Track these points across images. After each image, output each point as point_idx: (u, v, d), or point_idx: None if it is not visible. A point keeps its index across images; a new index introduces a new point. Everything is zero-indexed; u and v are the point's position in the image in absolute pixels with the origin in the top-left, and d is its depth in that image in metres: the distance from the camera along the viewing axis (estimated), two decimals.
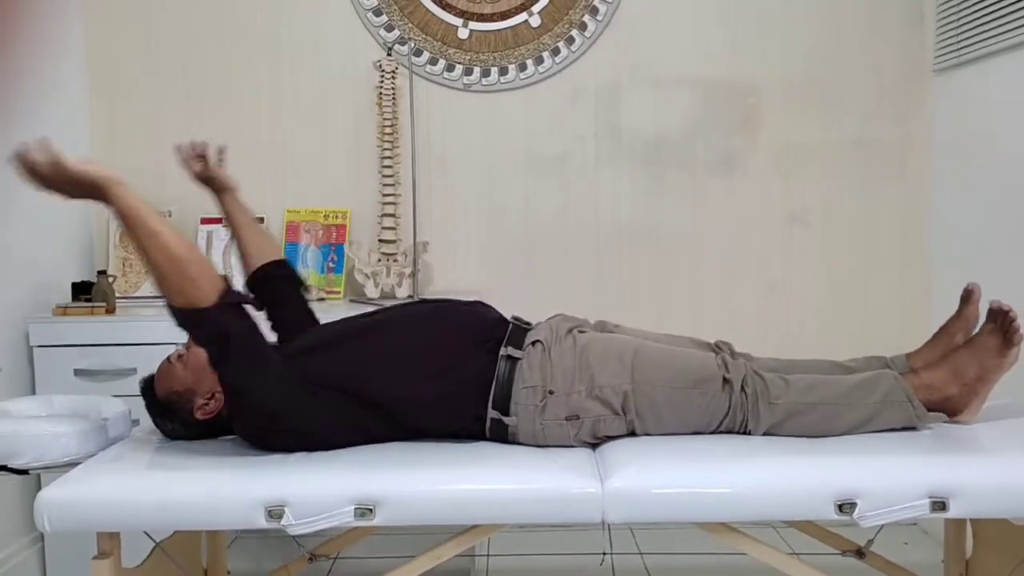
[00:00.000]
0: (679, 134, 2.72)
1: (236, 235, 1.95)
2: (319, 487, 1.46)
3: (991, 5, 2.31)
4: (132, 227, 1.48)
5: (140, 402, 1.77)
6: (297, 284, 1.95)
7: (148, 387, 1.73)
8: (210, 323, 1.51)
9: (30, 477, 2.27)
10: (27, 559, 2.31)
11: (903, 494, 1.42)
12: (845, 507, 1.42)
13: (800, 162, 2.72)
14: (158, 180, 2.72)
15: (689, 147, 2.72)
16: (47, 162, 1.48)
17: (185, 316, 1.51)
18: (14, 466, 1.61)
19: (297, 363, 1.62)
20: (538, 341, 1.66)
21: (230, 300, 1.53)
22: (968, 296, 1.78)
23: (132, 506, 1.46)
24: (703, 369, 1.64)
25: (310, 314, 1.94)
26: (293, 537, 1.54)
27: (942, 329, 1.82)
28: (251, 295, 1.73)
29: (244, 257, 1.94)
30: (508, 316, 1.81)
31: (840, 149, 2.71)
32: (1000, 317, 1.67)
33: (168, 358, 1.73)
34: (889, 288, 2.73)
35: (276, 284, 1.90)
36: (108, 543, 1.49)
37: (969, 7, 2.42)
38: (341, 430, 1.61)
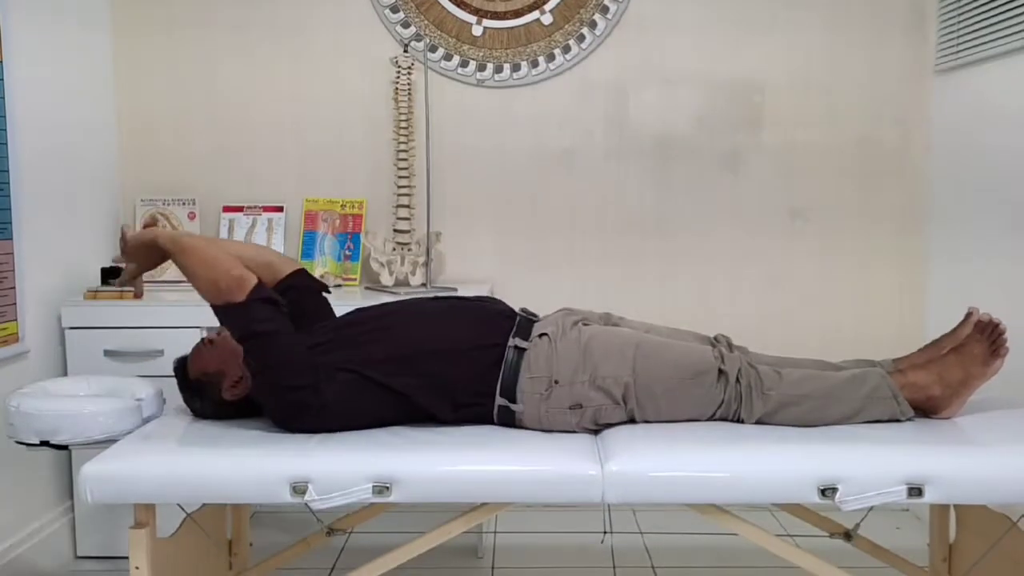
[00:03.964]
0: (685, 130, 2.80)
1: None
2: (340, 465, 1.56)
3: (992, 9, 2.38)
4: (175, 252, 1.79)
5: (168, 382, 1.89)
6: (319, 292, 2.02)
7: (181, 367, 1.85)
8: (240, 318, 1.69)
9: (62, 453, 2.41)
10: (59, 529, 2.44)
11: (881, 480, 1.52)
12: (827, 492, 1.52)
13: (802, 160, 2.80)
14: (182, 170, 2.85)
15: (694, 143, 2.80)
16: (123, 239, 1.89)
17: (222, 313, 1.72)
18: (56, 442, 1.72)
19: (319, 352, 1.73)
20: (545, 334, 1.76)
21: (257, 296, 1.69)
22: (967, 318, 1.82)
23: (167, 480, 1.57)
24: (700, 363, 1.73)
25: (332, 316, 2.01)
26: (312, 512, 1.66)
27: (934, 341, 1.88)
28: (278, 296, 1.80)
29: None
30: (517, 308, 1.91)
31: (841, 147, 2.79)
32: (989, 329, 1.76)
33: (202, 340, 1.84)
34: (886, 285, 2.82)
35: (300, 296, 1.95)
36: (144, 514, 1.61)
37: (970, 10, 2.49)
38: (359, 414, 1.72)
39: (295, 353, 1.71)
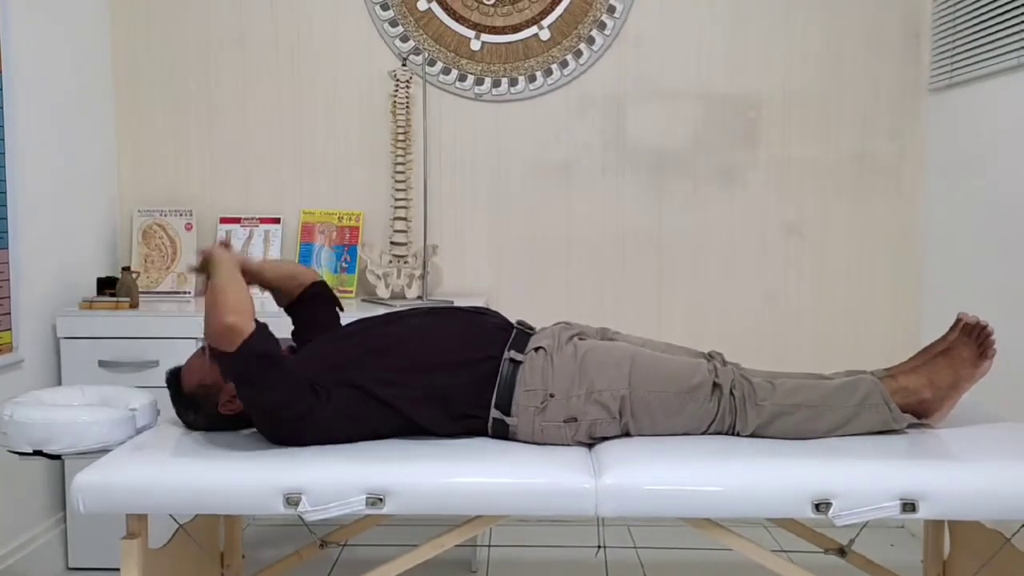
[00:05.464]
0: (682, 145, 2.82)
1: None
2: (334, 477, 1.56)
3: (985, 29, 2.40)
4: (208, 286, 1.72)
5: (163, 393, 1.88)
6: (335, 307, 2.03)
7: (174, 379, 1.83)
8: (230, 367, 1.64)
9: (55, 463, 2.40)
10: (51, 540, 2.42)
11: (876, 495, 1.51)
12: (821, 506, 1.52)
13: (797, 175, 2.81)
14: (180, 181, 2.86)
15: (691, 158, 2.82)
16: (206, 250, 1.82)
17: (215, 357, 1.66)
18: (49, 451, 1.71)
19: (314, 365, 1.72)
20: (541, 347, 1.76)
21: (251, 352, 1.60)
22: (957, 323, 1.83)
23: (160, 490, 1.56)
24: (695, 376, 1.73)
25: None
26: (306, 524, 1.65)
27: (925, 348, 1.89)
28: (279, 343, 1.72)
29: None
30: (513, 321, 1.91)
31: (836, 163, 2.80)
32: (977, 331, 1.77)
33: (201, 348, 1.81)
34: (881, 300, 2.82)
35: (319, 306, 1.99)
36: (137, 524, 1.60)
37: (964, 30, 2.51)
38: (353, 427, 1.71)
39: (293, 390, 1.65)
